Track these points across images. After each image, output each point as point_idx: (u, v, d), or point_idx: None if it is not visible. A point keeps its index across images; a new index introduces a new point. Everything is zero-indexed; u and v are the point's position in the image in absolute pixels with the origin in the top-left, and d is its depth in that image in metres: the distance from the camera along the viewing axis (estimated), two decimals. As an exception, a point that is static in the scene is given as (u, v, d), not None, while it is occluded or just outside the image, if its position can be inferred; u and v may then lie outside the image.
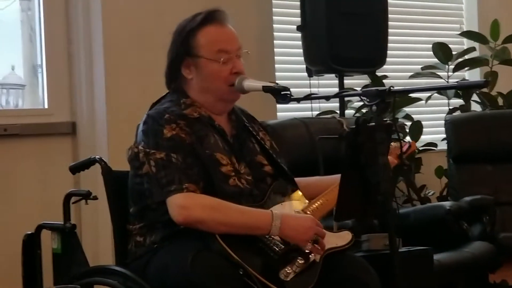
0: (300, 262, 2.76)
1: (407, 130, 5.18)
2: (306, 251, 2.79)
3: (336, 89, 4.76)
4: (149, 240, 2.87)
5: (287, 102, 2.85)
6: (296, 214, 2.90)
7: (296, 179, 3.07)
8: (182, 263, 2.66)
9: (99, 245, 4.24)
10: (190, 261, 2.64)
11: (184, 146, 2.82)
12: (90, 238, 4.25)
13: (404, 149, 3.27)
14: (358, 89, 4.42)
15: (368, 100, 2.60)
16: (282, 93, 2.82)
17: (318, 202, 2.98)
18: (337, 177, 3.03)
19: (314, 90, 4.80)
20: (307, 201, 2.99)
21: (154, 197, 2.82)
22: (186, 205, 2.74)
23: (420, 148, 5.34)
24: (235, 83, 2.94)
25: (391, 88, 2.58)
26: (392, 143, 2.70)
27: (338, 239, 2.91)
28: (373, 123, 2.57)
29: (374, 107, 2.58)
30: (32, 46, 4.53)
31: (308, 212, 2.94)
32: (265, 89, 2.87)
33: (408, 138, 5.02)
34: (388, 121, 2.62)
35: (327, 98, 2.82)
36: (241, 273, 2.65)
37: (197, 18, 2.97)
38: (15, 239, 3.55)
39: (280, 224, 2.76)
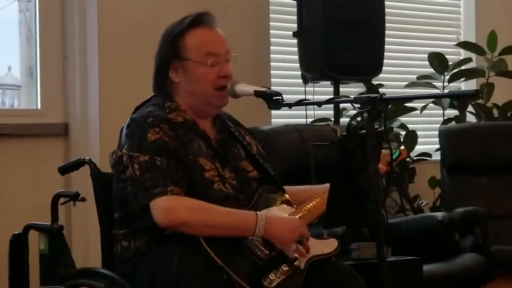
0: (284, 269, 2.74)
1: (402, 140, 5.16)
2: (292, 258, 2.77)
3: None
4: (134, 245, 2.84)
5: (278, 108, 2.83)
6: (281, 215, 2.87)
7: (285, 187, 3.04)
8: (168, 268, 2.64)
9: (88, 247, 4.21)
10: (176, 266, 2.63)
11: (168, 150, 2.80)
12: (80, 240, 4.24)
13: (395, 156, 3.26)
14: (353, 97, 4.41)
15: (359, 107, 2.59)
16: (273, 98, 2.81)
17: (305, 208, 2.95)
18: (326, 186, 3.03)
19: (309, 97, 4.79)
20: (294, 206, 2.97)
21: (138, 201, 2.79)
22: (171, 207, 2.72)
23: (414, 158, 5.33)
24: (227, 87, 2.92)
25: (383, 95, 2.57)
26: (382, 150, 2.69)
27: (324, 246, 2.88)
28: (365, 130, 2.56)
29: (365, 114, 2.56)
30: (29, 47, 4.52)
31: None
32: (257, 93, 2.85)
33: (401, 147, 5.00)
34: (380, 130, 2.60)
35: (319, 104, 2.80)
36: (224, 278, 2.62)
37: (185, 21, 2.95)
38: (4, 239, 3.53)
39: (265, 225, 2.74)
